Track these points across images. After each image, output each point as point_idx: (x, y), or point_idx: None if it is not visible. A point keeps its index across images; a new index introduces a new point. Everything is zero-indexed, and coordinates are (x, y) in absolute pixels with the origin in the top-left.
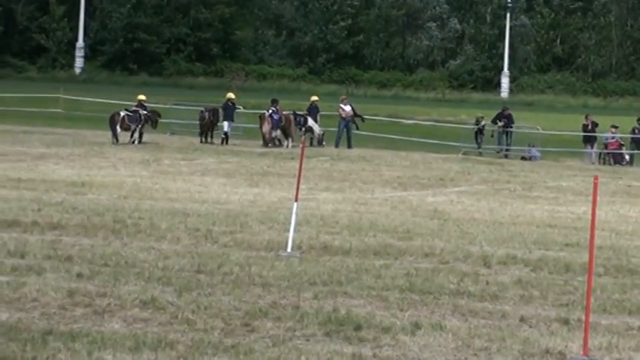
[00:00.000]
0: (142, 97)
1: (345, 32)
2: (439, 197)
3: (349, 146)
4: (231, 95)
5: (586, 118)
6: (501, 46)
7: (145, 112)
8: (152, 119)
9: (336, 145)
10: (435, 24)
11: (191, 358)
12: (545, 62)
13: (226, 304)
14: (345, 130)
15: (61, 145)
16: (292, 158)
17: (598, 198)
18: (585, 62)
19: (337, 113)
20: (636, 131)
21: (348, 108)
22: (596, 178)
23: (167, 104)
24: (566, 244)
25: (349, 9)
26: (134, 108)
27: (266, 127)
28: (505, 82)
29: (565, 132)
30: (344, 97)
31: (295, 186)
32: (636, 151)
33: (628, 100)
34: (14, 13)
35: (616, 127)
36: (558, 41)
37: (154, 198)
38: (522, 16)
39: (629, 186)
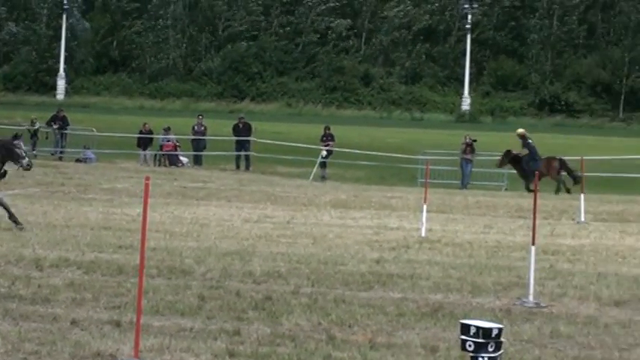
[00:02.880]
0: None
1: None
2: None
3: None
4: None
5: (143, 125)
6: (57, 48)
7: None
8: None
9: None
10: None
11: None
12: (102, 64)
13: None
14: None
15: None
16: None
17: (152, 199)
18: (142, 64)
19: None
20: (195, 128)
21: None
22: (147, 178)
23: None
24: (120, 246)
25: None
26: None
27: None
28: (61, 84)
29: (121, 134)
30: None
31: None
32: (194, 152)
33: (184, 102)
34: None
35: (168, 129)
36: (115, 44)
37: None
38: (81, 19)
39: (184, 187)
